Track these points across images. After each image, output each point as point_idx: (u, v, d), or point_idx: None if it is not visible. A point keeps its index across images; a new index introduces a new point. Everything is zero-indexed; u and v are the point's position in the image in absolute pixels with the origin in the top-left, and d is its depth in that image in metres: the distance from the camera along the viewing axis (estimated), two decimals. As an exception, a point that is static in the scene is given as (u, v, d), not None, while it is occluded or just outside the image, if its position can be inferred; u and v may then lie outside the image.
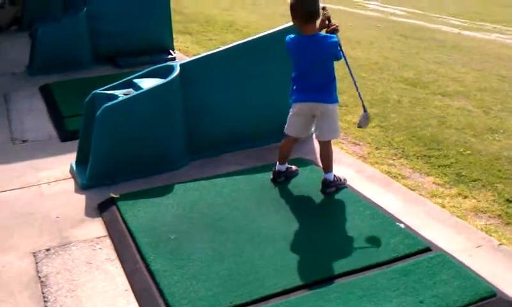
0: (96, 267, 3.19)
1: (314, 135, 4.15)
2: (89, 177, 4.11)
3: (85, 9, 7.45)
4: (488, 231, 3.59)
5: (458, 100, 6.34)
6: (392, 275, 3.00)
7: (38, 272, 3.14)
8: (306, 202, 3.87)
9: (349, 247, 3.29)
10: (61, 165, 4.46)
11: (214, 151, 4.63)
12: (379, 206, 3.76)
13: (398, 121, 5.61)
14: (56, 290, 2.98)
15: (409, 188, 4.15)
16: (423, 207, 3.85)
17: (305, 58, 3.74)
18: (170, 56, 7.81)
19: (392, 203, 3.86)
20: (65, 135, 5.11)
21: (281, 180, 4.08)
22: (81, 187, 4.11)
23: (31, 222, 3.66)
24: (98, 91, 4.38)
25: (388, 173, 4.43)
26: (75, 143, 4.48)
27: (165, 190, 3.99)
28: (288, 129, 3.97)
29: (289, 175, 4.13)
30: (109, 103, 4.11)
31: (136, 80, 4.46)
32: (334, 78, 3.81)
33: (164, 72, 4.48)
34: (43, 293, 2.97)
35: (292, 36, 3.80)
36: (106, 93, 4.33)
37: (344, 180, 4.04)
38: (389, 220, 3.56)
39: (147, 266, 3.12)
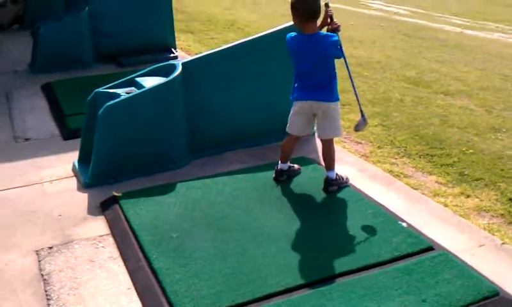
0: (99, 265, 3.19)
1: (316, 134, 4.14)
2: (91, 175, 4.11)
3: (87, 8, 7.46)
4: (490, 230, 3.58)
5: (461, 99, 6.34)
6: (394, 274, 2.99)
7: (40, 270, 3.15)
8: (308, 201, 3.86)
9: (351, 246, 3.29)
10: (63, 163, 4.46)
11: (216, 150, 4.63)
12: (381, 205, 3.76)
13: (400, 120, 5.60)
14: (58, 288, 2.99)
15: (412, 187, 4.15)
16: (425, 206, 3.85)
17: (306, 57, 3.73)
18: (172, 55, 7.81)
19: (394, 201, 3.86)
20: (67, 133, 5.12)
21: (284, 178, 4.08)
22: (84, 186, 4.11)
23: (34, 221, 3.67)
24: (100, 89, 4.38)
25: (391, 171, 4.43)
26: (77, 142, 4.48)
27: (167, 188, 3.99)
28: (290, 128, 3.97)
29: (291, 174, 4.13)
30: (111, 102, 4.11)
31: (138, 79, 4.46)
32: (335, 76, 3.80)
33: (166, 71, 4.48)
34: (45, 291, 2.97)
35: (292, 34, 3.80)
36: (108, 92, 4.33)
37: (346, 178, 4.04)
38: (391, 219, 3.56)
39: (150, 264, 3.12)
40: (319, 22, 3.76)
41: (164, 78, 4.35)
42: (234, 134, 4.74)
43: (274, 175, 4.10)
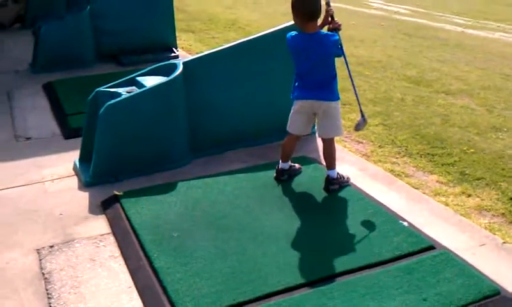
0: (100, 264, 3.19)
1: (317, 134, 4.15)
2: (92, 174, 4.12)
3: (88, 7, 7.46)
4: (491, 229, 3.58)
5: (462, 98, 6.33)
6: (395, 274, 3.00)
7: (41, 268, 3.15)
8: (309, 200, 3.86)
9: (352, 245, 3.29)
10: (64, 162, 4.47)
11: (217, 149, 4.63)
12: (382, 204, 3.76)
13: (401, 119, 5.60)
14: (59, 287, 2.99)
15: (413, 187, 4.14)
16: (426, 205, 3.85)
17: (307, 56, 3.73)
18: (173, 54, 7.81)
19: (395, 201, 3.86)
20: (68, 132, 5.12)
21: (285, 178, 4.08)
22: (85, 185, 4.11)
23: (35, 219, 3.67)
24: (101, 88, 4.39)
25: (392, 171, 4.42)
26: (78, 141, 4.49)
27: (168, 187, 3.99)
28: (291, 127, 3.97)
29: (292, 173, 4.13)
30: (112, 101, 4.11)
31: (138, 78, 4.46)
32: (335, 75, 3.80)
33: (167, 70, 4.48)
34: (46, 289, 2.98)
35: (293, 33, 3.80)
36: (109, 91, 4.33)
37: (347, 178, 4.04)
38: (392, 218, 3.56)
39: (150, 263, 3.13)
40: (319, 21, 3.76)
41: (165, 78, 4.35)
42: (235, 133, 4.74)
43: (275, 174, 4.10)
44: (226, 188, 4.00)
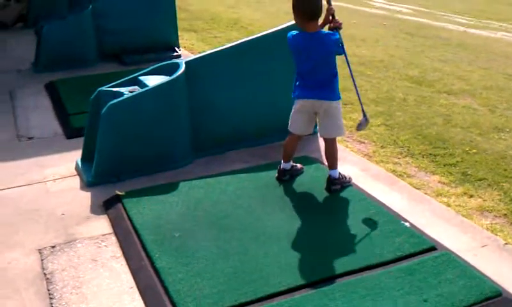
0: (102, 264, 3.20)
1: (319, 134, 4.15)
2: (94, 174, 4.12)
3: (90, 6, 7.47)
4: (493, 230, 3.58)
5: (464, 98, 6.32)
6: (396, 274, 2.99)
7: (43, 268, 3.16)
8: (311, 200, 3.86)
9: (354, 245, 3.29)
10: (66, 162, 4.47)
11: (218, 149, 4.64)
12: (384, 204, 3.75)
13: (403, 119, 5.59)
14: (61, 287, 3.00)
15: (415, 187, 4.14)
16: (428, 206, 3.84)
17: (308, 55, 3.74)
18: (175, 54, 7.81)
19: (397, 201, 3.85)
20: (71, 132, 5.13)
21: (286, 178, 4.08)
22: (87, 184, 4.12)
23: (37, 219, 3.68)
24: (103, 88, 4.39)
25: (394, 171, 4.42)
26: (80, 140, 4.49)
27: (170, 187, 3.99)
28: (292, 126, 3.97)
29: (294, 173, 4.13)
30: (115, 101, 4.12)
31: (141, 78, 4.47)
32: (336, 74, 3.80)
33: (169, 70, 4.48)
34: (48, 290, 2.98)
35: (293, 32, 3.80)
36: (112, 91, 4.33)
37: (349, 178, 4.03)
38: (394, 219, 3.56)
39: (152, 263, 3.13)
40: (320, 20, 3.75)
41: (168, 77, 4.35)
42: (237, 133, 4.75)
43: (276, 175, 4.10)
44: (228, 188, 4.00)
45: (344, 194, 3.89)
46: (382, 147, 4.94)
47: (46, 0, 9.46)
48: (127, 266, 3.18)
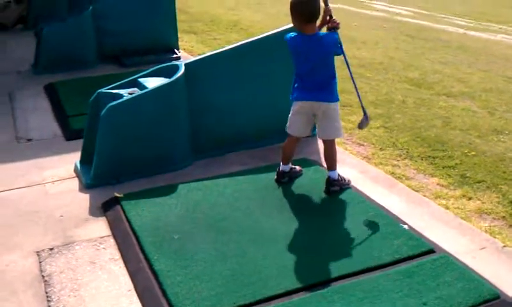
0: (100, 266, 3.19)
1: (318, 136, 4.15)
2: (93, 176, 4.12)
3: (90, 8, 7.47)
4: (492, 232, 3.57)
5: (463, 100, 6.32)
6: (395, 277, 2.99)
7: (41, 271, 3.15)
8: (309, 202, 3.86)
9: (352, 248, 3.29)
10: (65, 164, 4.47)
11: (218, 151, 4.64)
12: (382, 207, 3.75)
13: (402, 121, 5.59)
14: (59, 290, 2.99)
15: (414, 190, 4.14)
16: (427, 208, 3.84)
17: (306, 57, 3.74)
18: (175, 55, 7.82)
19: (395, 204, 3.85)
20: (70, 134, 5.13)
21: (285, 180, 4.08)
22: (85, 186, 4.12)
23: (35, 221, 3.68)
24: (103, 90, 4.39)
25: (392, 173, 4.42)
26: (79, 142, 4.49)
27: (169, 190, 3.99)
28: (290, 128, 3.97)
29: (293, 175, 4.13)
30: (114, 103, 4.11)
31: (140, 80, 4.47)
32: (335, 75, 3.81)
33: (169, 71, 4.48)
34: (46, 292, 2.98)
35: (292, 34, 3.81)
36: (111, 92, 4.33)
37: (348, 180, 4.03)
38: (393, 221, 3.56)
39: (150, 266, 3.13)
40: (318, 21, 3.76)
41: (167, 79, 4.35)
42: (237, 135, 4.75)
43: (275, 177, 4.10)
44: (227, 190, 4.00)
45: (342, 196, 3.89)
46: (381, 149, 4.94)
47: (46, 1, 9.47)
48: (125, 268, 3.17)
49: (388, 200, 3.89)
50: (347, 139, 5.11)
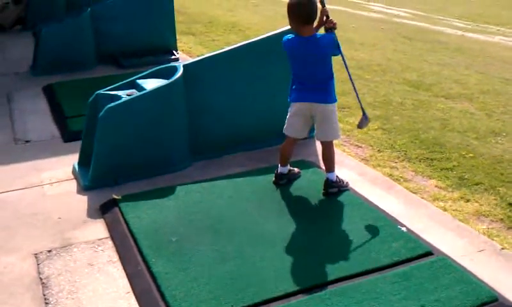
0: (98, 268, 3.19)
1: (316, 137, 4.15)
2: (91, 178, 4.12)
3: (89, 9, 7.47)
4: (490, 235, 3.58)
5: (461, 102, 6.33)
6: (393, 280, 2.99)
7: (39, 273, 3.15)
8: (308, 205, 3.86)
9: (351, 250, 3.29)
10: (63, 166, 4.47)
11: (216, 152, 4.64)
12: (381, 209, 3.76)
13: (401, 123, 5.60)
14: (57, 292, 2.99)
15: (411, 192, 4.14)
16: (425, 210, 3.85)
17: (304, 59, 3.75)
18: (173, 57, 7.81)
19: (394, 206, 3.86)
20: (68, 135, 5.12)
21: (284, 182, 4.08)
22: (83, 188, 4.11)
23: (33, 223, 3.67)
24: (101, 91, 4.39)
25: (390, 175, 4.42)
26: (77, 144, 4.48)
27: (167, 191, 3.99)
28: (288, 130, 3.97)
29: (291, 177, 4.13)
30: (112, 104, 4.11)
31: (139, 81, 4.47)
32: (332, 76, 3.81)
33: (167, 73, 4.48)
34: (44, 294, 2.97)
35: (289, 36, 3.82)
36: (109, 94, 4.33)
37: (346, 183, 4.04)
38: (391, 223, 3.56)
39: (148, 268, 3.13)
40: (315, 23, 3.76)
41: (166, 81, 4.35)
42: (235, 137, 4.75)
43: (274, 179, 4.10)
44: (225, 192, 4.00)
45: (340, 198, 3.89)
46: (379, 151, 4.94)
47: (44, 2, 9.46)
48: (123, 271, 3.17)
49: (386, 202, 3.89)
50: (345, 141, 5.11)
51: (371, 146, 5.05)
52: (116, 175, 4.18)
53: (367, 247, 3.31)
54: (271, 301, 2.86)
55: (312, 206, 3.85)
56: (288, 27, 4.43)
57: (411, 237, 3.39)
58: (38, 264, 3.23)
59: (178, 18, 8.66)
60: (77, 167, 4.34)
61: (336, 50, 3.78)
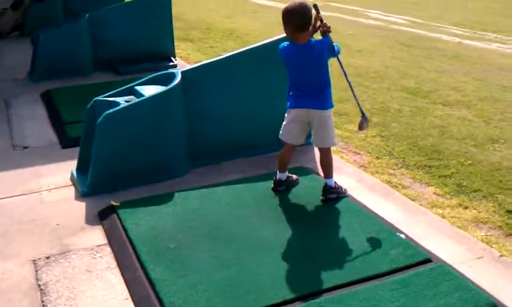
0: (96, 275, 3.18)
1: (314, 144, 4.16)
2: (89, 184, 4.11)
3: (87, 15, 7.48)
4: (488, 242, 3.58)
5: (459, 109, 6.35)
6: (392, 287, 2.99)
7: (37, 279, 3.14)
8: (306, 211, 3.86)
9: (349, 257, 3.29)
10: (61, 172, 4.46)
11: (215, 158, 4.64)
12: (379, 216, 3.75)
13: (399, 130, 5.61)
14: (55, 298, 2.98)
15: (410, 199, 4.15)
16: (423, 217, 3.85)
17: (300, 66, 3.76)
18: (171, 63, 7.83)
19: (392, 213, 3.86)
20: (66, 141, 5.12)
21: (282, 188, 4.08)
22: (82, 195, 4.11)
23: (32, 230, 3.66)
24: (99, 98, 4.39)
25: (389, 182, 4.43)
26: (76, 150, 4.48)
27: (165, 198, 3.99)
28: (285, 136, 3.97)
29: (290, 184, 4.13)
30: (110, 111, 4.11)
31: (137, 88, 4.47)
32: (329, 82, 3.82)
33: (165, 79, 4.49)
34: (42, 301, 2.96)
35: (285, 44, 3.83)
36: (107, 100, 4.33)
37: (345, 189, 4.04)
38: (389, 230, 3.56)
39: (147, 275, 3.12)
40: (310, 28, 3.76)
41: (164, 87, 4.36)
42: (233, 143, 4.75)
43: (272, 185, 4.10)
44: (224, 198, 3.99)
45: (339, 205, 3.89)
46: (377, 158, 4.95)
47: (42, 9, 9.49)
48: (121, 277, 3.16)
49: (384, 209, 3.89)
50: (344, 148, 5.12)
51: (369, 152, 5.06)
52: (115, 182, 4.17)
53: (365, 254, 3.30)
54: (269, 308, 2.85)
55: (310, 213, 3.85)
56: (286, 33, 4.46)
57: (410, 244, 3.39)
58: (36, 270, 3.22)
59: (176, 24, 8.68)
60: (75, 173, 4.33)
61: (333, 52, 3.78)
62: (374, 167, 4.73)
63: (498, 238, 3.65)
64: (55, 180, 4.35)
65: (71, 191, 4.20)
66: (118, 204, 3.88)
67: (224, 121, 4.68)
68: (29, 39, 8.65)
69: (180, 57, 8.51)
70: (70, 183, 4.32)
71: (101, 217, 3.81)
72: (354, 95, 4.04)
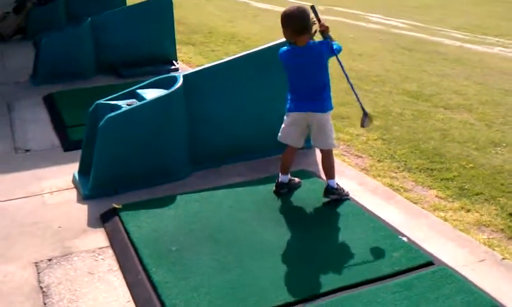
0: (98, 277, 3.18)
1: (314, 145, 4.16)
2: (91, 187, 4.12)
3: (89, 19, 7.50)
4: (490, 245, 3.58)
5: (460, 113, 6.35)
6: (394, 289, 2.99)
7: (39, 282, 3.14)
8: (307, 214, 3.86)
9: (351, 260, 3.28)
10: (63, 175, 4.47)
11: (216, 162, 4.64)
12: (381, 219, 3.75)
13: (400, 133, 5.61)
14: (57, 301, 2.98)
15: (412, 202, 4.14)
16: (425, 220, 3.84)
17: (299, 69, 3.78)
18: (173, 67, 7.84)
19: (394, 216, 3.85)
20: (68, 144, 5.13)
21: (284, 191, 4.09)
22: (84, 197, 4.11)
23: (34, 232, 3.67)
24: (101, 101, 4.40)
25: (391, 185, 4.43)
26: (78, 153, 4.48)
27: (167, 201, 3.99)
28: (285, 138, 3.98)
29: (292, 187, 4.13)
30: (112, 114, 4.12)
31: (139, 91, 4.48)
32: (328, 84, 3.83)
33: (167, 83, 4.50)
34: (44, 303, 2.96)
35: (284, 48, 3.85)
36: (109, 103, 4.34)
37: (347, 192, 4.04)
38: (391, 233, 3.55)
39: (149, 277, 3.12)
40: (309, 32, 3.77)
41: (165, 91, 4.36)
42: (235, 146, 4.75)
43: (274, 188, 4.10)
44: (225, 201, 3.99)
45: (341, 208, 3.89)
46: (379, 161, 4.95)
47: (45, 12, 9.51)
48: (123, 279, 3.16)
49: (386, 212, 3.89)
50: (346, 151, 5.12)
51: (371, 156, 5.06)
52: (116, 184, 4.18)
53: (367, 257, 3.30)
54: (271, 311, 2.85)
55: (312, 216, 3.85)
56: (288, 37, 4.46)
57: (412, 247, 3.39)
58: (39, 273, 3.22)
59: (178, 28, 8.70)
60: (77, 176, 4.34)
61: (333, 52, 3.77)
62: (375, 170, 4.73)
63: (500, 241, 3.65)
64: (57, 183, 4.36)
65: (73, 194, 4.20)
66: (120, 206, 3.88)
67: (225, 125, 4.69)
68: (31, 43, 8.66)
69: (182, 60, 8.53)
70: (72, 185, 4.32)
71: (103, 219, 3.81)
72: (354, 91, 4.02)
